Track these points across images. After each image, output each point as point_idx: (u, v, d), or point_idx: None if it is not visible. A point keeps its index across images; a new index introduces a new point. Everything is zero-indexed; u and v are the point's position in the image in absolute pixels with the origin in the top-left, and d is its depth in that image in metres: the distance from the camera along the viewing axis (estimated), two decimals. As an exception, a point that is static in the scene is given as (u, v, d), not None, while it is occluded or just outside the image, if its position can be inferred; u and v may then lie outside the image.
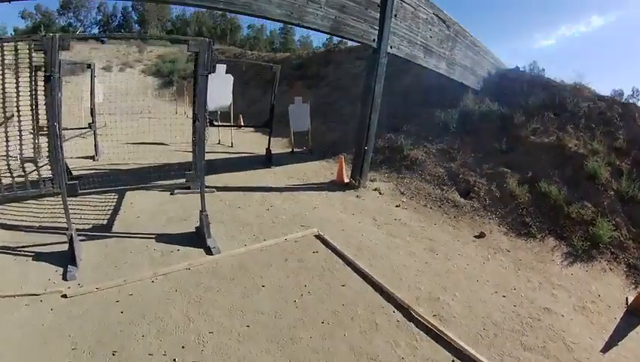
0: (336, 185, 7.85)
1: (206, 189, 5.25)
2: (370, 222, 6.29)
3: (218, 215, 5.95)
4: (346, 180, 7.87)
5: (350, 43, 17.65)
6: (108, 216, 5.70)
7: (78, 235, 4.56)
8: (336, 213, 6.54)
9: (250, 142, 11.67)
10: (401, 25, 7.30)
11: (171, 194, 6.74)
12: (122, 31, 61.28)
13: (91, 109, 8.91)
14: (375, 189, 7.72)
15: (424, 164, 8.60)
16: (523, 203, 6.86)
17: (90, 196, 6.00)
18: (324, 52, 19.33)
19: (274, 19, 5.63)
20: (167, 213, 5.95)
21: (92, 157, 8.83)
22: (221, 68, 8.24)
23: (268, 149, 9.42)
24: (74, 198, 5.34)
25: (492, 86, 10.98)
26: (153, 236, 5.14)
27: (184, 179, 4.98)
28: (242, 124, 14.54)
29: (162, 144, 10.90)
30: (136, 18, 63.98)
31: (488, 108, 9.65)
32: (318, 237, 5.48)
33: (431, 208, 7.15)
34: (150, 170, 7.41)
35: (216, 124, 8.54)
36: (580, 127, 8.26)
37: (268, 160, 9.28)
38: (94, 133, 8.89)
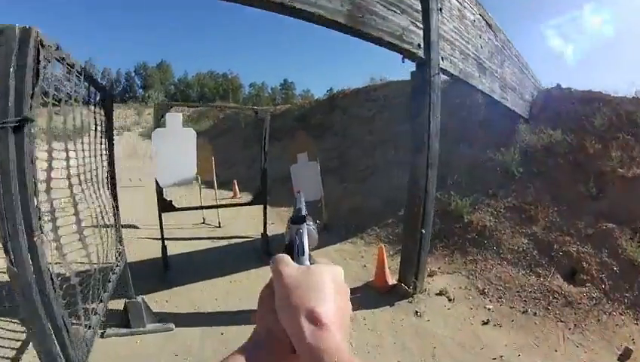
0: (377, 292, 4.89)
1: (158, 326, 3.96)
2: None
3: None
4: (390, 281, 4.88)
5: (354, 85, 15.60)
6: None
7: None
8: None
9: (245, 217, 8.59)
10: (448, 25, 4.68)
11: (102, 336, 3.85)
12: (127, 95, 61.49)
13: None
14: (441, 293, 4.76)
15: (497, 235, 5.80)
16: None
17: None
18: (327, 98, 16.99)
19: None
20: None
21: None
22: (174, 119, 5.30)
23: (264, 234, 6.48)
24: None
25: (538, 110, 8.47)
26: None
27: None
28: (237, 192, 11.88)
29: (132, 227, 8.10)
30: (139, 83, 64.67)
31: (551, 138, 7.02)
32: None
33: (536, 315, 4.35)
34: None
35: (177, 207, 5.63)
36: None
37: (265, 250, 6.35)
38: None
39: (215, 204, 8.62)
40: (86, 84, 3.06)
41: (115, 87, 61.56)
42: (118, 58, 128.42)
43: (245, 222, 8.33)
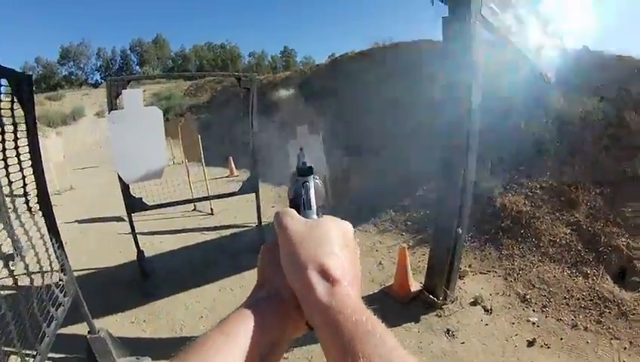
0: (397, 301, 3.94)
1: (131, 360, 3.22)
2: None
3: None
4: (413, 288, 3.94)
5: (357, 47, 14.19)
6: None
7: None
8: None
9: (241, 201, 7.07)
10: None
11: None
12: (124, 74, 59.88)
13: None
14: (475, 302, 3.85)
15: (535, 223, 4.83)
16: None
17: None
18: (328, 63, 15.53)
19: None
20: None
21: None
22: (133, 97, 4.15)
23: (259, 226, 5.56)
24: None
25: (566, 75, 7.02)
26: None
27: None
28: (233, 170, 10.91)
29: (116, 219, 7.27)
30: (136, 60, 62.81)
31: (585, 108, 5.88)
32: None
33: (587, 330, 3.49)
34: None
35: (149, 204, 4.61)
36: None
37: (260, 245, 5.37)
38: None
39: (205, 184, 7.63)
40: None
41: (112, 66, 60.30)
42: (114, 37, 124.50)
43: (241, 206, 7.30)
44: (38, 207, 2.81)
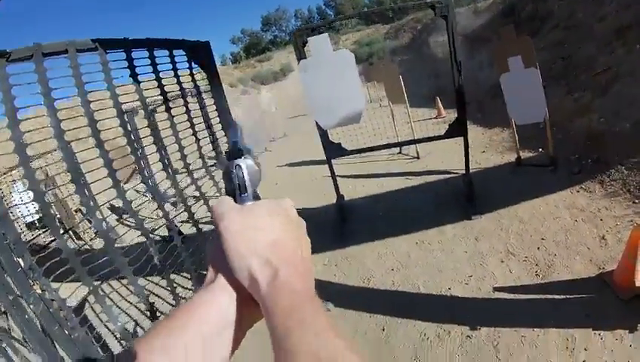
0: (614, 295, 2.83)
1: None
2: None
3: None
4: (638, 282, 2.73)
5: None
6: None
7: None
8: None
9: (450, 144, 6.21)
10: None
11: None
12: (321, 28, 63.56)
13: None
14: None
15: None
16: None
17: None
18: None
19: None
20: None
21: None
22: (320, 43, 3.92)
23: (467, 176, 4.88)
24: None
25: None
26: None
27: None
28: (441, 110, 10.24)
29: (317, 163, 7.75)
30: (332, 13, 65.55)
31: None
32: None
33: None
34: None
35: (348, 150, 4.44)
36: None
37: (468, 196, 4.80)
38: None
39: (410, 125, 7.32)
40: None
41: (311, 23, 65.22)
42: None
43: (450, 151, 6.59)
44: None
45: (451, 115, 9.92)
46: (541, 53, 7.73)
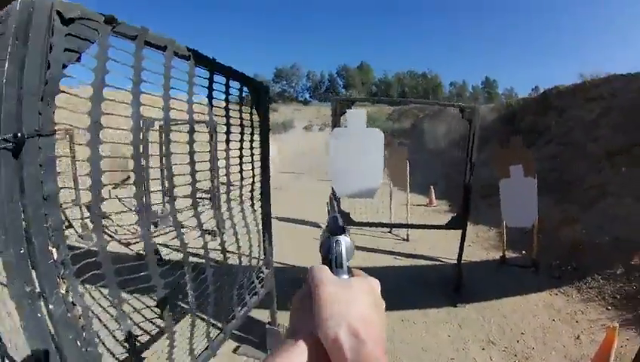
0: None
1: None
2: None
3: None
4: None
5: (572, 80, 12.07)
6: None
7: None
8: None
9: (438, 233, 6.66)
10: None
11: (234, 350, 3.69)
12: (330, 94, 66.81)
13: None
14: None
15: None
16: None
17: None
18: (538, 97, 14.07)
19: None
20: None
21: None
22: (357, 117, 4.37)
23: (458, 267, 5.19)
24: None
25: None
26: None
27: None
28: (433, 200, 10.78)
29: (316, 225, 7.99)
30: (342, 83, 69.04)
31: None
32: None
33: None
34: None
35: (356, 221, 4.79)
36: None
37: (456, 285, 5.10)
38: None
39: (406, 210, 7.73)
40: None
41: (319, 87, 68.12)
42: (322, 62, 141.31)
43: (438, 239, 7.09)
44: (259, 203, 3.29)
45: (440, 206, 10.51)
46: (536, 163, 8.42)
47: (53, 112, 1.62)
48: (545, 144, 10.50)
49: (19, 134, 1.54)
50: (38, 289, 1.67)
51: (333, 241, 0.59)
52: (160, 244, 5.22)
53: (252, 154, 3.12)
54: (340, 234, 0.60)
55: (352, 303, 0.49)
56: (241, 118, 2.91)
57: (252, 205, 3.18)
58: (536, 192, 5.50)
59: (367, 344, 0.45)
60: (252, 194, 3.22)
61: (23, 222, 1.65)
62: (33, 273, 1.65)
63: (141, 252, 5.68)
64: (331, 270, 0.55)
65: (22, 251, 1.64)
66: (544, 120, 11.79)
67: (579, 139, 9.26)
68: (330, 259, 0.58)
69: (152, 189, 6.37)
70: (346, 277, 0.56)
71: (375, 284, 0.57)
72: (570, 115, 10.71)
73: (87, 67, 1.73)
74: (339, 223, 0.63)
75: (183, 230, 2.28)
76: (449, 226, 4.96)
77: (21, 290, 1.62)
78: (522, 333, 4.04)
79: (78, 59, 1.69)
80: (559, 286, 5.10)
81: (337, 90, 68.18)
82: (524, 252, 6.30)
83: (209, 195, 6.38)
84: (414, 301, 4.78)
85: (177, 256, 3.08)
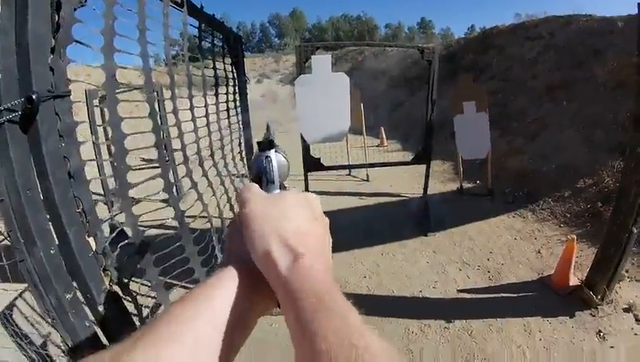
0: (553, 292, 3.71)
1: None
2: None
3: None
4: (572, 282, 3.67)
5: (512, 20, 12.52)
6: None
7: None
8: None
9: (396, 171, 7.03)
10: None
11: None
12: (264, 45, 64.32)
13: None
14: (629, 309, 3.38)
15: None
16: None
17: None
18: (478, 36, 14.52)
19: None
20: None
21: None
22: (322, 63, 4.28)
23: (425, 196, 5.59)
24: None
25: None
26: None
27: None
28: (384, 140, 11.05)
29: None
30: (274, 32, 66.68)
31: None
32: None
33: None
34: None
35: (325, 165, 4.89)
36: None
37: (424, 215, 5.45)
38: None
39: (364, 152, 7.91)
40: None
41: (252, 38, 65.01)
42: (253, 11, 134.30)
43: (396, 176, 7.39)
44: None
45: (390, 145, 10.89)
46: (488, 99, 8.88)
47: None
48: (487, 80, 10.96)
49: (29, 98, 1.20)
50: (84, 289, 1.44)
51: (262, 157, 0.56)
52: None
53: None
54: (270, 150, 0.57)
55: (285, 217, 0.46)
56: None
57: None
58: (488, 128, 5.92)
59: (304, 256, 0.42)
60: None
61: (47, 214, 1.33)
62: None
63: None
64: (263, 188, 0.53)
65: (52, 251, 1.34)
66: (484, 58, 12.23)
67: (519, 75, 9.81)
68: (260, 176, 0.56)
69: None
70: (277, 192, 0.53)
71: (312, 198, 0.52)
72: (510, 53, 11.21)
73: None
74: (270, 139, 0.60)
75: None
76: (415, 162, 5.22)
77: (62, 295, 1.37)
78: (490, 252, 4.51)
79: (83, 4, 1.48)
80: (515, 210, 5.64)
81: (270, 39, 65.80)
82: (478, 182, 6.82)
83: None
84: (389, 235, 5.08)
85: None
